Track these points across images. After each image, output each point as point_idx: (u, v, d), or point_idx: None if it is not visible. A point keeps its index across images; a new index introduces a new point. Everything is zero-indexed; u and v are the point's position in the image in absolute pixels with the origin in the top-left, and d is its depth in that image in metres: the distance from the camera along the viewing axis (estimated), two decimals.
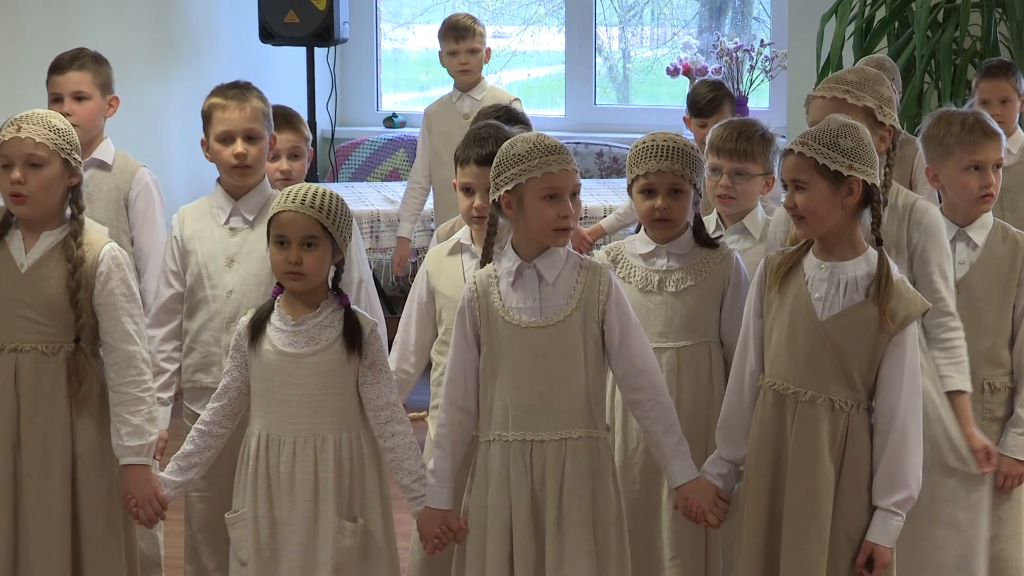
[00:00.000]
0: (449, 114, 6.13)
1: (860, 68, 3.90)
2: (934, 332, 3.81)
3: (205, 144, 4.14)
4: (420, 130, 6.29)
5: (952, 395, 3.83)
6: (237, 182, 4.10)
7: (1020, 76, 5.31)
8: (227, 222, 4.11)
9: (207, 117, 4.11)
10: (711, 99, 5.51)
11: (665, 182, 3.78)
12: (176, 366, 4.14)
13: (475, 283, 3.55)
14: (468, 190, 3.89)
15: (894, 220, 3.80)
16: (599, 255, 3.92)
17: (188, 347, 4.14)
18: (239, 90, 4.12)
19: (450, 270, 3.93)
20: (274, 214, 3.59)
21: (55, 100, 4.61)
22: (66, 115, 3.94)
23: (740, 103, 7.85)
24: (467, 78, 6.17)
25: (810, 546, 3.37)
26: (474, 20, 6.23)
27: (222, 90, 4.13)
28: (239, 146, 4.06)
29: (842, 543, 3.41)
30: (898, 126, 3.82)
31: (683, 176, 3.78)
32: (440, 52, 6.22)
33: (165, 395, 4.10)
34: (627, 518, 3.65)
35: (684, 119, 5.58)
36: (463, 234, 3.98)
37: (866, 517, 3.42)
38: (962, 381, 3.83)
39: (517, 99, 5.98)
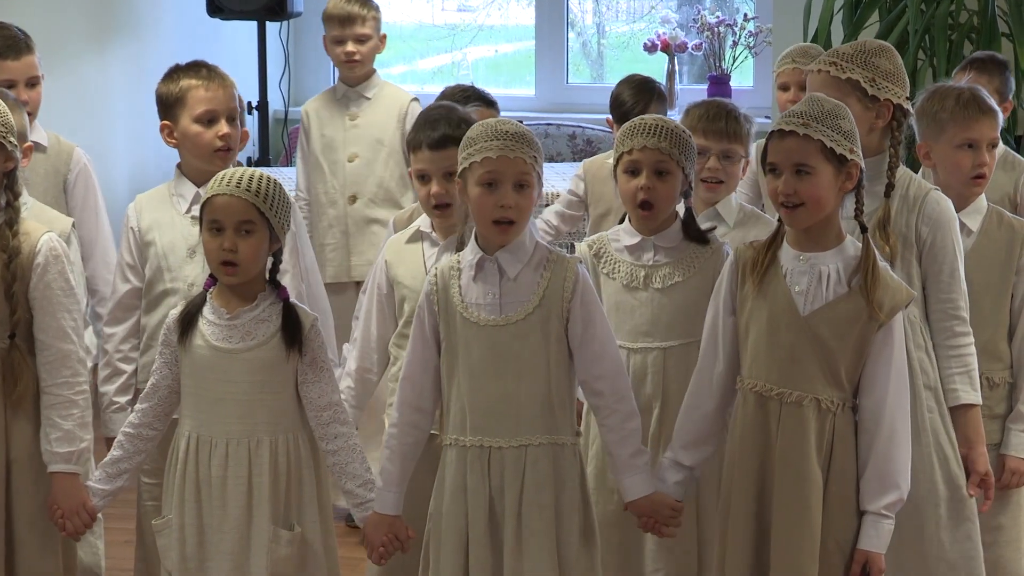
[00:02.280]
0: (331, 115, 5.53)
1: (863, 40, 3.83)
2: (940, 337, 3.77)
3: (168, 129, 4.11)
4: (299, 135, 5.67)
5: (959, 408, 3.78)
6: (219, 167, 4.04)
7: (1009, 75, 5.11)
8: (189, 210, 4.10)
9: (179, 99, 4.08)
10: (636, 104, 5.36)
11: (651, 160, 3.76)
12: (134, 367, 4.13)
13: (435, 276, 3.54)
14: (423, 177, 3.91)
15: (903, 210, 3.75)
16: (580, 248, 3.91)
17: (146, 344, 4.12)
18: (210, 69, 4.12)
19: (410, 259, 3.94)
20: (207, 198, 3.56)
21: (7, 87, 4.60)
22: (23, 103, 3.93)
23: (722, 81, 7.89)
24: (355, 70, 5.55)
25: (802, 557, 3.38)
26: (365, 2, 5.61)
27: (192, 69, 4.11)
28: (224, 127, 4.07)
29: (832, 551, 3.41)
30: (896, 100, 3.72)
31: (670, 156, 3.76)
32: (324, 38, 5.60)
33: (123, 399, 4.09)
34: (608, 529, 3.67)
35: (607, 122, 5.30)
36: (423, 222, 3.99)
37: (855, 523, 3.43)
38: (973, 394, 3.78)
39: (416, 99, 5.55)
